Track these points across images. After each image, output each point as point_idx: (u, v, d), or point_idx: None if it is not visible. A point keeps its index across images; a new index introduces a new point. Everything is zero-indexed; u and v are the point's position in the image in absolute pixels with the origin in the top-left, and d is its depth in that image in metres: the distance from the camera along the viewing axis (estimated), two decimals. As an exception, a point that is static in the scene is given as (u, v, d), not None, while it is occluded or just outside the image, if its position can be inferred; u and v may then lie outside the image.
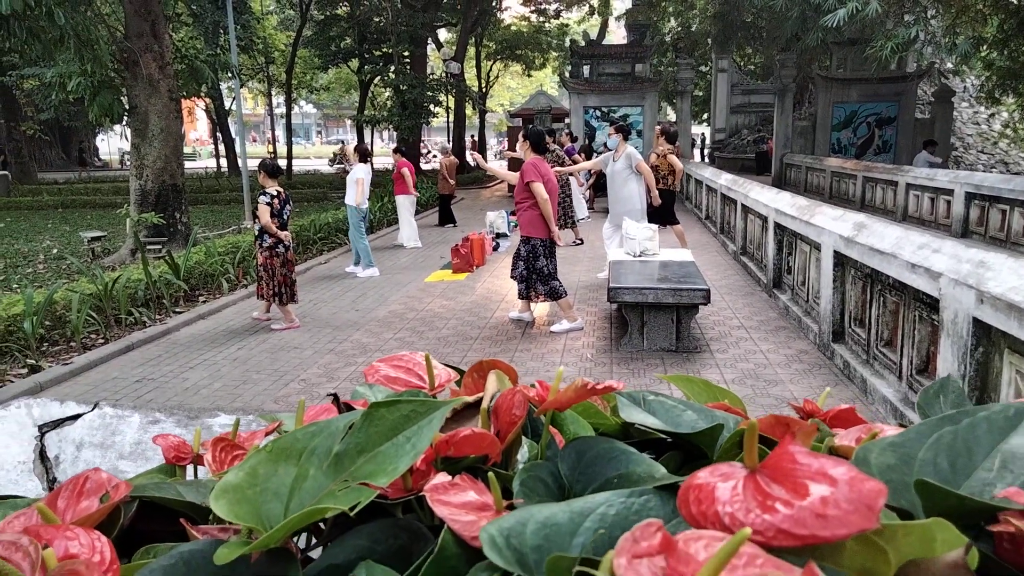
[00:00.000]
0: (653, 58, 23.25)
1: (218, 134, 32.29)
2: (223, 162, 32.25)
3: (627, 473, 0.63)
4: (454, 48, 28.41)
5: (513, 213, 7.43)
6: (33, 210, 21.46)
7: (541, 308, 7.80)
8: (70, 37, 8.87)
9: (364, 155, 10.50)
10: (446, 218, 15.36)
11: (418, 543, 0.57)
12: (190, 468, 0.85)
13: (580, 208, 13.10)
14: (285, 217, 7.28)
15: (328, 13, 27.32)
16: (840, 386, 5.40)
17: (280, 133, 41.63)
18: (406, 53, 24.83)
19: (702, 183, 14.80)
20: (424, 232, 13.58)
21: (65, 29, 8.57)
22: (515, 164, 13.97)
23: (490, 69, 35.68)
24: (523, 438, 0.73)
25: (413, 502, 0.63)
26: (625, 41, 24.10)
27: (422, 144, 31.58)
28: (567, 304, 7.07)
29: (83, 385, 5.91)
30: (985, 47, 14.50)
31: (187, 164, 15.40)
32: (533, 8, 31.99)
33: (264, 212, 7.05)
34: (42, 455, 1.61)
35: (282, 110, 33.45)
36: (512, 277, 7.20)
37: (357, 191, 10.07)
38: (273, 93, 32.85)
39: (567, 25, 34.17)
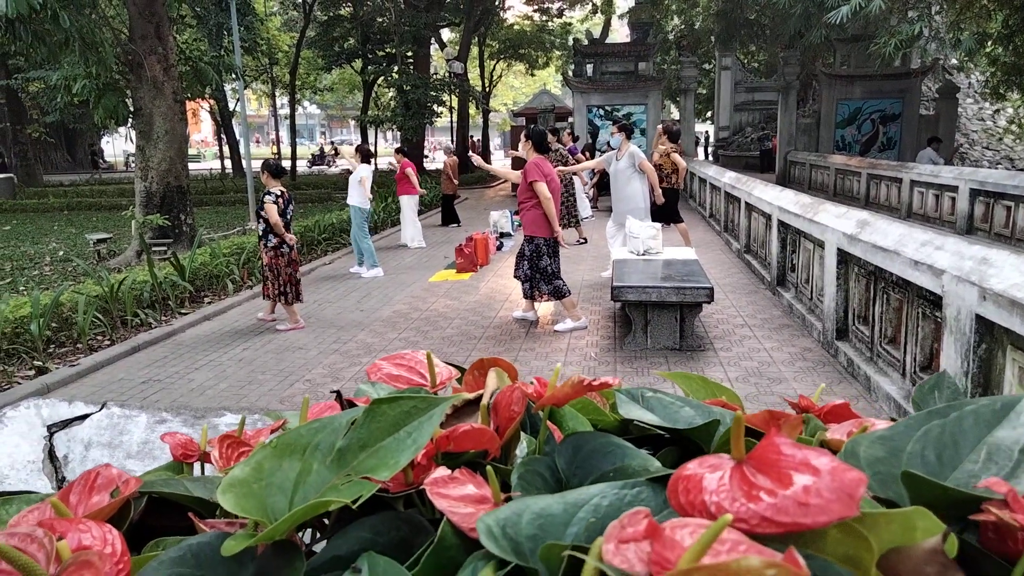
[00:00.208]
0: (656, 56, 23.26)
1: (222, 135, 32.37)
2: (227, 163, 32.35)
3: (623, 467, 0.64)
4: (457, 48, 28.41)
5: (517, 212, 7.43)
6: (39, 212, 21.55)
7: (545, 307, 7.81)
8: (75, 40, 8.91)
9: (366, 156, 10.53)
10: (449, 218, 15.38)
11: (419, 535, 0.58)
12: (197, 465, 0.87)
13: (584, 207, 13.12)
14: (288, 217, 7.31)
15: (331, 14, 27.36)
16: (844, 383, 5.41)
17: (284, 134, 41.72)
18: (409, 53, 24.87)
19: (706, 181, 14.80)
20: (428, 232, 13.61)
21: (70, 32, 8.62)
22: (519, 163, 13.98)
23: (493, 68, 35.69)
24: (522, 434, 0.75)
25: (414, 496, 0.64)
26: (628, 39, 24.07)
27: (433, 144, 31.65)
28: (571, 303, 7.08)
29: (90, 386, 5.95)
30: (990, 43, 14.47)
31: (192, 166, 15.45)
32: (536, 7, 31.99)
33: (272, 210, 7.07)
34: (51, 454, 1.63)
35: (286, 111, 33.52)
36: (516, 276, 7.22)
37: (363, 191, 10.12)
38: (277, 94, 32.95)
39: (570, 24, 34.14)
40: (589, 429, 0.79)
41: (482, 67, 33.85)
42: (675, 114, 34.98)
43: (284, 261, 7.28)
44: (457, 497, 0.56)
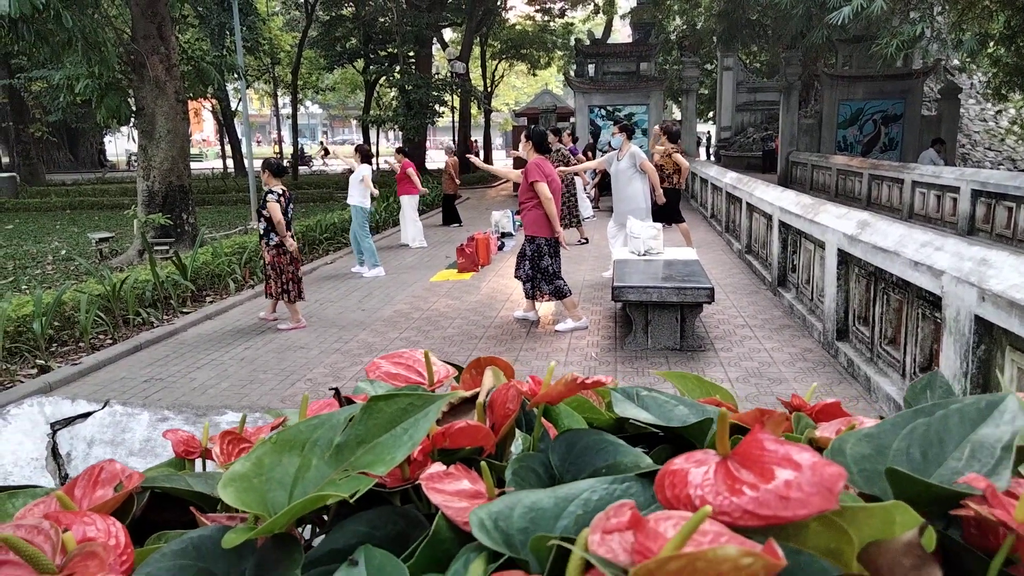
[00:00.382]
0: (658, 57, 23.26)
1: (224, 135, 32.42)
2: (229, 163, 32.39)
3: (615, 463, 0.66)
4: (459, 48, 28.43)
5: (518, 212, 7.44)
6: (41, 211, 21.60)
7: (546, 307, 7.83)
8: (78, 40, 8.94)
9: (366, 155, 10.56)
10: (451, 217, 15.41)
11: (415, 529, 0.60)
12: (198, 462, 0.89)
13: (585, 207, 13.12)
14: (289, 216, 7.33)
15: (333, 14, 27.40)
16: (844, 384, 5.42)
17: (286, 133, 41.77)
18: (411, 53, 24.90)
19: (707, 181, 14.80)
20: (429, 232, 13.63)
21: (73, 32, 8.65)
22: (520, 164, 13.99)
23: (495, 68, 35.71)
24: (517, 431, 0.76)
25: (411, 492, 0.66)
26: (630, 40, 24.08)
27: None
28: (572, 303, 7.10)
29: (92, 385, 5.97)
30: (992, 44, 14.47)
31: (194, 165, 15.49)
32: (538, 7, 32.00)
33: (275, 209, 7.09)
34: (54, 452, 1.65)
35: (288, 111, 33.56)
36: (516, 277, 7.23)
37: (364, 189, 10.15)
38: (279, 94, 32.98)
39: (572, 24, 34.14)
40: (584, 427, 0.81)
41: (484, 67, 33.87)
42: (677, 114, 34.97)
43: (286, 259, 7.30)
44: (452, 492, 0.58)
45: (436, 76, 26.95)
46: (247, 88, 17.67)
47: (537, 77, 42.97)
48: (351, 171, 10.62)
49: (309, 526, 0.70)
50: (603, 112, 20.52)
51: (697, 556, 0.33)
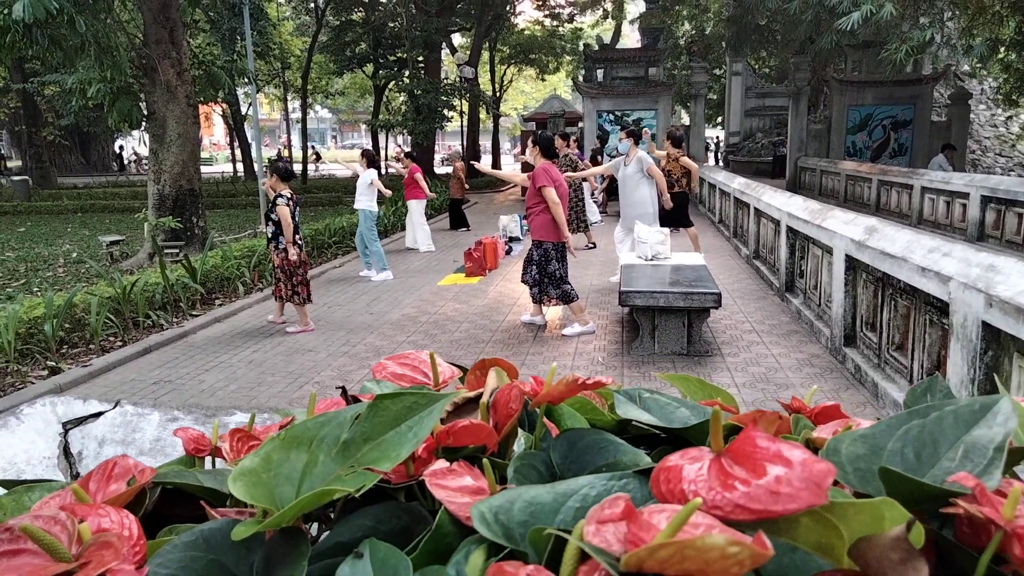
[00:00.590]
0: (667, 62, 23.24)
1: (234, 139, 32.61)
2: (239, 167, 32.57)
3: (615, 462, 0.67)
4: (468, 53, 28.54)
5: (525, 217, 7.46)
6: (53, 214, 21.77)
7: (553, 312, 7.84)
8: (90, 44, 9.03)
9: (372, 160, 10.62)
10: (458, 222, 15.45)
11: (419, 524, 0.61)
12: (208, 460, 0.90)
13: (593, 212, 13.13)
14: (296, 221, 7.38)
15: (343, 19, 27.55)
16: (852, 390, 5.40)
17: (296, 138, 41.98)
18: (420, 58, 24.99)
19: (715, 187, 14.79)
20: (437, 236, 13.67)
21: (86, 36, 8.73)
22: (528, 168, 14.02)
23: (504, 73, 35.81)
24: (519, 430, 0.78)
25: (415, 488, 0.68)
26: (639, 45, 24.10)
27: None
28: (579, 308, 7.10)
29: (102, 387, 6.01)
30: (1002, 49, 14.41)
31: (204, 169, 15.59)
32: (547, 12, 32.09)
33: (285, 213, 7.13)
34: (66, 451, 1.67)
35: (298, 115, 33.74)
36: (523, 281, 7.24)
37: (373, 193, 10.21)
38: (289, 98, 33.16)
39: (581, 29, 34.22)
40: (586, 427, 0.82)
41: (493, 72, 33.97)
42: (685, 119, 34.96)
43: (296, 262, 7.34)
44: (455, 488, 0.59)
45: (445, 81, 27.04)
46: (257, 92, 17.77)
47: (546, 82, 43.07)
48: (356, 176, 10.69)
49: (316, 524, 0.71)
50: (611, 117, 20.54)
51: (686, 544, 0.35)
